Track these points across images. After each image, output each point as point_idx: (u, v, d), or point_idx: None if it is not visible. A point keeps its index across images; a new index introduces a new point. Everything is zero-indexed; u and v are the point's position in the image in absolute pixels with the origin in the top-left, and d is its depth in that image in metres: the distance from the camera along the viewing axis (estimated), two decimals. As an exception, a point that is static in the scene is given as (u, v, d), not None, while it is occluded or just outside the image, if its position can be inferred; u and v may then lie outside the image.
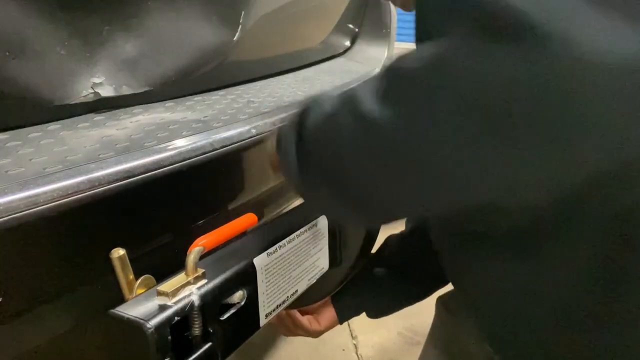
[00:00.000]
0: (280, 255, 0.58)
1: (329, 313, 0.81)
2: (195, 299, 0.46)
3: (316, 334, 0.82)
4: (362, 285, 0.81)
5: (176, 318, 0.44)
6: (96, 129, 0.61)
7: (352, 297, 0.81)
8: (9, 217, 0.42)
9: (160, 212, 0.58)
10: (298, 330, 0.82)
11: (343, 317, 0.82)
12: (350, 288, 0.81)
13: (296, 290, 0.62)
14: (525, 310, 0.54)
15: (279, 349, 1.56)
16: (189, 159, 0.58)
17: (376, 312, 0.82)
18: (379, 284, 0.80)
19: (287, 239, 0.59)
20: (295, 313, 0.81)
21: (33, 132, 0.58)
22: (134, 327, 0.42)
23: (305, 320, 0.81)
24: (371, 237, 0.73)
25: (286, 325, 0.83)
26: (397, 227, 0.82)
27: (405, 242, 0.82)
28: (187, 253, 0.48)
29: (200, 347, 0.47)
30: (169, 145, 0.58)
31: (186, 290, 0.47)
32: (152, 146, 0.57)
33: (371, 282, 0.80)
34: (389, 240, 0.85)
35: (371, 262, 0.82)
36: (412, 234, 0.82)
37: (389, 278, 0.80)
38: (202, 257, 0.50)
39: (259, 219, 0.58)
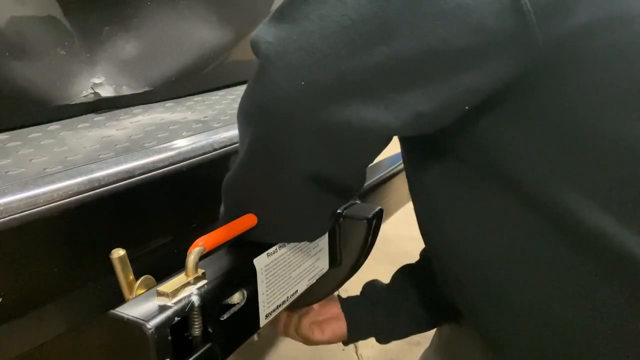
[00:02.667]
0: (280, 256, 0.58)
1: (337, 326, 0.78)
2: (195, 299, 0.46)
3: (315, 343, 0.79)
4: (378, 310, 0.79)
5: (176, 318, 0.44)
6: (96, 129, 0.61)
7: (367, 316, 0.79)
8: (9, 217, 0.42)
9: (161, 212, 0.58)
10: (297, 336, 0.79)
11: (353, 331, 0.78)
12: (366, 309, 0.79)
13: (296, 291, 0.62)
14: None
15: (279, 349, 1.56)
16: (189, 159, 0.58)
17: (387, 337, 0.79)
18: (395, 309, 0.78)
19: (287, 239, 0.59)
20: (301, 318, 0.79)
21: (33, 133, 0.58)
22: (134, 327, 0.42)
23: (307, 326, 0.78)
24: (372, 238, 0.73)
25: (286, 328, 0.81)
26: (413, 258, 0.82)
27: (420, 272, 0.79)
28: (187, 253, 0.48)
29: (200, 348, 0.47)
30: (169, 146, 0.58)
31: (186, 290, 0.47)
32: (152, 146, 0.57)
33: (386, 307, 0.78)
34: (403, 269, 0.83)
35: (387, 289, 0.80)
36: (426, 265, 0.79)
37: (404, 304, 0.78)
38: (202, 257, 0.50)
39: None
